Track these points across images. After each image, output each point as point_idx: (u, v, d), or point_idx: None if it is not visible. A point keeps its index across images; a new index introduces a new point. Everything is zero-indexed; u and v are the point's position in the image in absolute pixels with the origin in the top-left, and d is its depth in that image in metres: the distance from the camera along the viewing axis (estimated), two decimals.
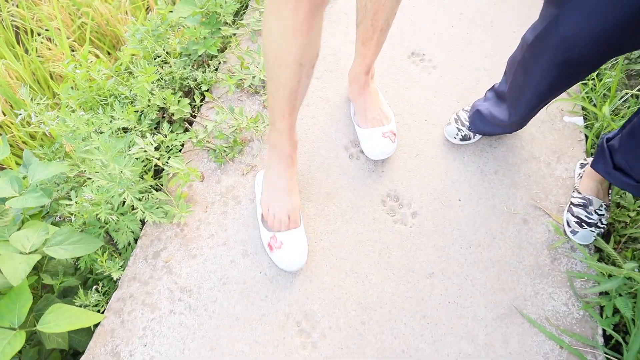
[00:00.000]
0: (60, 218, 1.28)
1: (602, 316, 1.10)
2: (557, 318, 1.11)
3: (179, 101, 1.36)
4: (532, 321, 1.10)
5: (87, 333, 1.16)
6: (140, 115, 1.32)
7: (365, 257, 1.19)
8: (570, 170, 1.31)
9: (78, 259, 1.25)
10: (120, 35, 1.91)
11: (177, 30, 1.60)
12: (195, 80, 1.44)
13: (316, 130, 1.39)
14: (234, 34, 1.53)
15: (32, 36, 1.94)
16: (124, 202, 1.18)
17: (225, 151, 1.32)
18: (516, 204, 1.26)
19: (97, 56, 1.84)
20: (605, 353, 1.05)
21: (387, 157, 1.31)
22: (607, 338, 1.10)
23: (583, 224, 1.16)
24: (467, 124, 1.32)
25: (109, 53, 1.93)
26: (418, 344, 1.08)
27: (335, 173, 1.31)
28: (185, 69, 1.43)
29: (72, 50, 1.86)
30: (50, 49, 1.91)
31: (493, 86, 1.27)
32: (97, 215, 1.16)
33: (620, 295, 1.06)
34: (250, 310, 1.12)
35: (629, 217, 1.22)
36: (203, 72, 1.45)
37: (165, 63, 1.46)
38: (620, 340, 1.05)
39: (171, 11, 1.53)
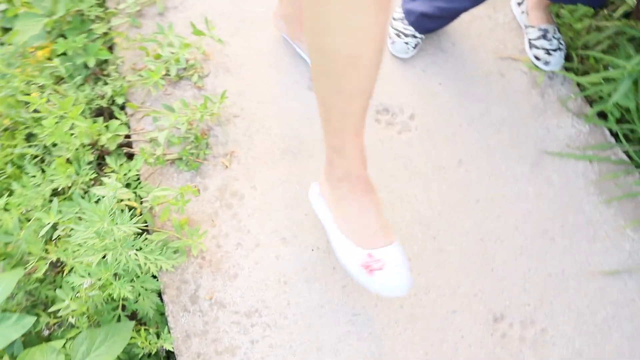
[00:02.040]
0: (48, 329, 1.01)
1: (604, 120, 1.22)
2: (573, 141, 1.20)
3: (106, 127, 1.10)
4: (558, 154, 1.18)
5: None
6: (75, 166, 1.05)
7: (395, 179, 1.15)
8: (509, 14, 1.37)
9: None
10: None
11: (28, 56, 1.27)
12: (104, 96, 1.17)
13: (270, 81, 1.24)
14: (110, 28, 1.26)
15: None
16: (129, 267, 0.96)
17: (192, 154, 1.13)
18: (486, 64, 1.30)
19: None
20: (624, 147, 1.18)
21: None
22: (615, 136, 1.23)
23: (550, 51, 1.25)
24: (411, 30, 1.26)
25: None
26: (488, 226, 1.10)
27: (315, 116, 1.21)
28: (82, 90, 1.15)
29: None
30: None
31: None
32: (105, 298, 0.93)
33: (608, 95, 1.18)
34: (328, 290, 1.03)
35: (574, 29, 1.34)
36: (105, 84, 1.18)
37: (52, 94, 1.16)
38: (625, 131, 1.19)
39: (11, 34, 1.19)
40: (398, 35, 1.26)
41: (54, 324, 1.01)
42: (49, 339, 1.00)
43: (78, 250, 0.89)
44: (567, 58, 1.31)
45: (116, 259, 0.86)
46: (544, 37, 1.25)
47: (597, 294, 1.05)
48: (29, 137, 1.16)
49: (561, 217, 1.12)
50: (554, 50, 1.24)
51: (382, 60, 0.64)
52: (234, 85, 1.24)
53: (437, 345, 0.99)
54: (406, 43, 1.26)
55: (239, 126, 1.19)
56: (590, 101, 1.25)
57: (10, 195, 1.06)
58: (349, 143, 0.77)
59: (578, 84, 1.26)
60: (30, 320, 0.87)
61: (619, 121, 1.22)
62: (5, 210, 1.02)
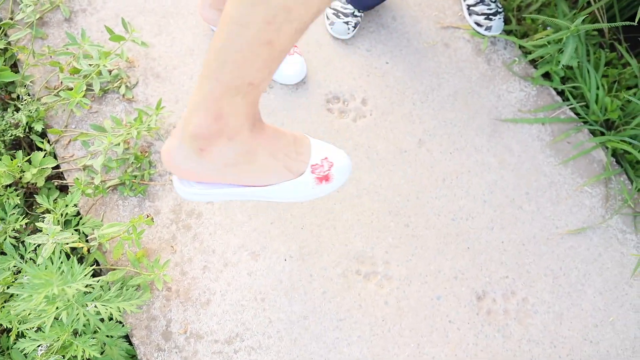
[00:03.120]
0: None
1: (551, 81, 1.24)
2: (524, 105, 1.21)
3: (29, 161, 0.96)
4: (513, 119, 1.19)
5: None
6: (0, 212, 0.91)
7: (358, 170, 1.11)
8: None
9: None
10: None
11: None
12: (18, 124, 1.02)
13: None
14: (9, 43, 1.09)
15: None
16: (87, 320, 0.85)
17: (135, 176, 1.02)
18: (429, 35, 1.26)
19: None
20: (571, 105, 1.21)
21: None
22: (562, 94, 1.25)
23: (490, 16, 1.23)
24: (350, 9, 1.20)
25: None
26: (457, 204, 1.10)
27: (264, 115, 1.13)
28: None
29: None
30: None
31: None
32: (71, 358, 0.83)
33: (550, 56, 1.20)
34: (309, 299, 0.99)
35: None
36: (17, 111, 1.03)
37: None
38: (572, 88, 1.22)
39: None
40: (337, 15, 1.20)
41: None
42: None
43: (24, 313, 0.78)
44: (505, 21, 1.31)
45: (72, 319, 0.76)
46: (482, 1, 1.23)
47: (568, 254, 1.08)
48: None
49: (525, 183, 1.14)
50: (493, 14, 1.23)
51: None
52: (168, 92, 1.12)
53: (427, 335, 0.99)
54: (346, 23, 1.20)
55: None
56: (534, 63, 1.26)
57: None
58: (262, 85, 0.58)
59: (520, 47, 1.27)
60: None
61: (563, 80, 1.24)
62: None
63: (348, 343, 0.96)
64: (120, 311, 0.85)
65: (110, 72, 1.09)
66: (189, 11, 1.21)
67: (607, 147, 1.18)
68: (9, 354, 0.86)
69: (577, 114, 1.22)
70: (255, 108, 0.61)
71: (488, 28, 1.24)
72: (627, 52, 1.22)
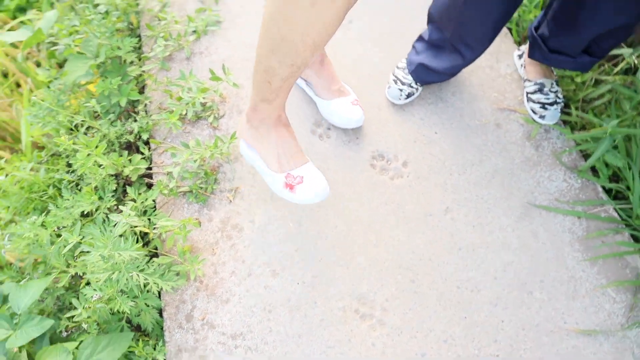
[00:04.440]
0: (66, 332, 1.21)
1: (598, 177, 1.26)
2: (563, 195, 1.26)
3: (130, 160, 1.30)
4: (547, 207, 1.24)
5: None
6: (99, 193, 1.26)
7: (382, 223, 1.26)
8: (511, 65, 1.45)
9: None
10: (7, 122, 1.74)
11: (76, 91, 1.51)
12: (132, 132, 1.38)
13: None
14: (144, 71, 1.47)
15: None
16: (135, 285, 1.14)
17: (201, 188, 1.31)
18: (484, 114, 1.38)
19: None
20: (614, 205, 1.22)
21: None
22: (609, 192, 1.27)
23: (546, 105, 1.31)
24: (409, 80, 1.37)
25: None
26: (467, 274, 1.18)
27: (315, 159, 1.35)
28: (114, 126, 1.37)
29: None
30: None
31: (421, 37, 1.34)
32: (111, 310, 1.12)
33: (607, 150, 1.23)
34: (307, 321, 1.16)
35: (575, 83, 1.39)
36: (135, 121, 1.39)
37: (89, 129, 1.38)
38: (618, 188, 1.23)
39: (61, 73, 1.43)
40: (395, 82, 1.38)
41: (72, 328, 1.20)
42: (66, 340, 1.20)
43: (93, 267, 1.08)
44: (567, 109, 1.36)
45: (119, 279, 1.04)
46: (540, 91, 1.31)
47: (570, 353, 1.10)
48: (69, 164, 1.38)
49: (542, 271, 1.18)
50: (550, 104, 1.30)
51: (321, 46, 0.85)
52: None
53: None
54: (400, 90, 1.37)
55: (245, 165, 1.35)
56: (585, 156, 1.30)
57: (47, 214, 1.27)
58: (282, 96, 0.99)
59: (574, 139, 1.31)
60: (48, 322, 1.07)
61: (612, 179, 1.26)
62: (42, 226, 1.23)
63: None
64: (158, 287, 1.11)
65: (204, 104, 1.40)
66: None
67: None
68: (77, 295, 1.18)
69: (620, 216, 1.22)
70: (277, 111, 1.05)
71: (542, 116, 1.31)
72: None
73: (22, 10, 2.03)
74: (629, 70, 1.31)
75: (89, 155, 1.23)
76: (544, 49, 1.21)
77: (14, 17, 2.02)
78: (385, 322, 1.14)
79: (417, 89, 1.38)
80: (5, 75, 1.80)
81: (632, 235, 1.20)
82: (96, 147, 1.20)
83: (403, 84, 1.36)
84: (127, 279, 1.05)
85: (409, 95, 1.37)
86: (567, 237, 1.21)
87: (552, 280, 1.17)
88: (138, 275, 1.07)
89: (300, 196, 1.10)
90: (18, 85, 1.82)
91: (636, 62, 1.27)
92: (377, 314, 1.15)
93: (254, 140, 1.13)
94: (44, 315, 1.26)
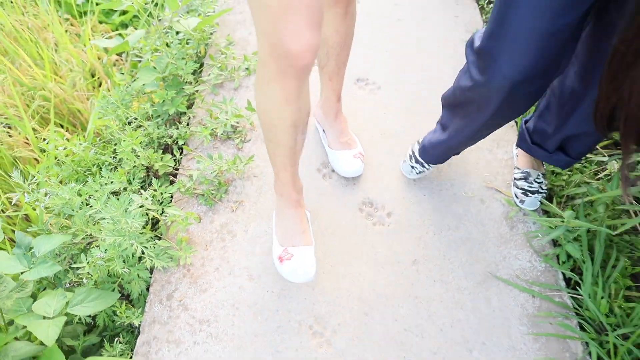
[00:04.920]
0: (69, 284, 1.43)
1: (559, 264, 1.37)
2: (525, 274, 1.37)
3: (162, 157, 1.56)
4: (506, 280, 1.35)
5: None
6: (129, 177, 1.52)
7: (355, 259, 1.42)
8: (509, 152, 1.61)
9: (95, 320, 1.40)
10: (80, 111, 2.10)
11: (140, 96, 1.82)
12: (171, 137, 1.66)
13: None
14: (197, 91, 1.77)
15: None
16: (132, 254, 1.36)
17: (212, 194, 1.54)
18: (472, 188, 1.54)
19: (62, 135, 2.01)
20: (568, 292, 1.31)
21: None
22: (567, 281, 1.37)
23: (527, 192, 1.45)
24: (421, 160, 1.49)
25: (67, 129, 2.11)
26: (416, 321, 1.31)
27: (314, 194, 1.55)
28: (159, 128, 1.65)
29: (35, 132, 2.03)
30: (11, 136, 2.06)
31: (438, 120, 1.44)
32: (108, 272, 1.33)
33: (569, 241, 1.34)
34: (266, 325, 1.31)
35: (564, 180, 1.53)
36: (177, 129, 1.67)
37: (139, 127, 1.68)
38: (577, 279, 1.33)
39: (134, 80, 1.75)
40: (410, 158, 1.52)
41: (75, 282, 1.43)
42: (69, 290, 1.42)
43: (104, 231, 1.31)
44: (550, 201, 1.49)
45: (122, 244, 1.27)
46: (526, 179, 1.46)
47: None
48: (115, 150, 1.67)
49: (486, 334, 1.28)
50: (532, 192, 1.45)
51: (298, 126, 1.06)
52: (263, 153, 1.64)
53: None
54: (412, 167, 1.51)
55: (254, 184, 1.57)
56: (556, 245, 1.41)
57: (84, 184, 1.55)
58: (281, 173, 1.22)
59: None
60: (57, 268, 1.30)
61: (574, 270, 1.36)
62: (78, 194, 1.50)
63: None
64: (152, 261, 1.33)
65: (235, 127, 1.66)
66: None
67: (587, 345, 1.24)
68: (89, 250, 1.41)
69: (574, 305, 1.31)
70: (294, 195, 1.30)
71: (522, 201, 1.45)
72: None
73: (124, 25, 2.45)
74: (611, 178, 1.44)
75: (128, 143, 1.51)
76: (527, 140, 1.38)
77: (116, 29, 2.45)
78: (332, 342, 1.28)
79: (428, 169, 1.51)
80: (93, 75, 2.18)
81: (579, 324, 1.28)
82: (137, 137, 1.47)
83: (417, 162, 1.50)
84: (127, 246, 1.27)
85: (420, 172, 1.52)
86: (517, 310, 1.31)
87: (493, 345, 1.26)
88: (138, 245, 1.29)
89: (285, 271, 1.30)
90: (100, 84, 2.20)
91: (615, 168, 1.40)
92: (327, 334, 1.29)
93: (276, 210, 1.38)
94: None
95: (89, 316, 1.39)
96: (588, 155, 1.55)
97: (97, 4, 2.41)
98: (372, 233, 1.46)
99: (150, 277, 1.41)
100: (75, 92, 2.12)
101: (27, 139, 2.00)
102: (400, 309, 1.33)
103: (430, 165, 1.50)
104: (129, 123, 1.68)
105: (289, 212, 1.33)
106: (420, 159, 1.49)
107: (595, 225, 1.29)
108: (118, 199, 1.47)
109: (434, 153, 1.42)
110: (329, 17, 1.24)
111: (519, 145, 1.43)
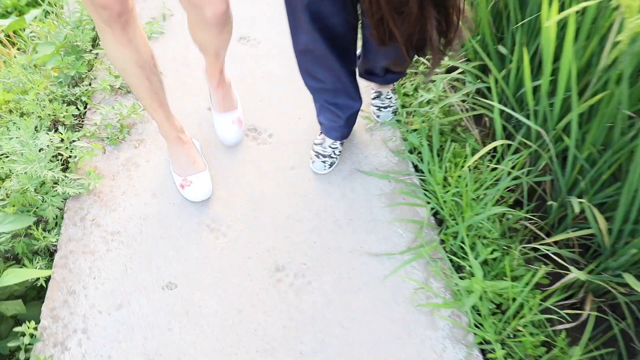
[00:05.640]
0: None
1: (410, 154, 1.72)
2: (382, 166, 1.71)
3: (66, 110, 1.78)
4: (368, 172, 1.69)
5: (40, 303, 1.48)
6: (36, 128, 1.72)
7: (245, 172, 1.69)
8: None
9: (14, 250, 1.57)
10: None
11: (41, 69, 2.02)
12: (75, 94, 1.87)
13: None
14: (96, 55, 2.00)
15: None
16: (44, 182, 1.56)
17: (116, 135, 1.76)
18: None
19: None
20: (416, 174, 1.66)
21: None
22: (416, 168, 1.72)
23: (381, 108, 1.80)
24: (329, 151, 1.66)
25: None
26: (295, 210, 1.60)
27: (206, 125, 1.81)
28: (62, 88, 1.86)
29: None
30: None
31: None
32: (23, 202, 1.52)
33: (409, 132, 1.70)
34: (170, 229, 1.55)
35: (413, 97, 1.90)
36: (79, 88, 1.89)
37: (45, 89, 1.88)
38: (419, 164, 1.68)
39: (36, 52, 1.96)
40: (317, 156, 1.72)
41: None
42: None
43: (16, 161, 1.50)
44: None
45: (32, 175, 1.47)
46: (378, 97, 1.81)
47: (358, 267, 1.48)
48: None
49: (353, 212, 1.59)
50: (385, 107, 1.80)
51: (144, 67, 1.35)
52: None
53: (235, 299, 1.46)
54: (323, 162, 1.70)
55: (153, 125, 1.82)
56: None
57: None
58: (154, 116, 1.51)
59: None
60: None
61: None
62: None
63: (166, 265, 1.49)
64: (64, 190, 1.53)
65: None
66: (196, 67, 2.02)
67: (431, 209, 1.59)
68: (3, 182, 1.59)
69: (421, 184, 1.66)
70: (168, 125, 1.56)
71: (378, 116, 1.80)
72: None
73: (31, 5, 2.61)
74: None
75: (34, 99, 1.71)
76: (363, 73, 1.71)
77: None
78: (227, 234, 1.54)
79: (336, 158, 1.72)
80: None
81: (426, 194, 1.63)
82: (41, 83, 1.68)
83: (324, 156, 1.71)
84: (39, 174, 1.47)
85: (331, 165, 1.73)
86: (376, 191, 1.64)
87: (358, 219, 1.58)
88: (47, 171, 1.50)
89: (187, 194, 1.61)
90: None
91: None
92: (223, 229, 1.56)
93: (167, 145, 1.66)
94: None
95: (8, 249, 1.57)
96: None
97: None
98: (257, 151, 1.75)
99: (64, 204, 1.61)
100: None
101: None
102: (283, 205, 1.62)
103: (337, 152, 1.70)
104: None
105: (176, 148, 1.60)
106: (328, 149, 1.68)
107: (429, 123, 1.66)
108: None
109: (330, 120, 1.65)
110: (206, 32, 1.43)
111: (361, 76, 1.76)
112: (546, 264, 1.42)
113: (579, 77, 1.34)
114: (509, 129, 1.58)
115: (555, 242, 1.43)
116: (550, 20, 1.19)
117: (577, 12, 1.24)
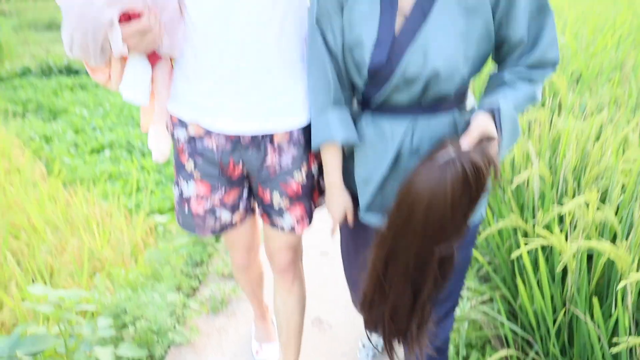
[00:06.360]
0: None
1: None
2: None
3: (188, 283, 2.42)
4: None
5: None
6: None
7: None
8: None
9: None
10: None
11: (177, 253, 2.76)
12: (195, 273, 2.54)
13: None
14: (216, 249, 2.73)
15: None
16: (160, 329, 2.09)
17: (217, 306, 2.34)
18: None
19: None
20: None
21: None
22: None
23: None
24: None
25: None
26: None
27: None
28: (187, 268, 2.54)
29: None
30: None
31: None
32: (145, 339, 2.05)
33: None
34: None
35: None
36: (199, 268, 2.56)
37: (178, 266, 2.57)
38: None
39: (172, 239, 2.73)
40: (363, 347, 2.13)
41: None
42: None
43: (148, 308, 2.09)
44: None
45: (158, 318, 2.04)
46: None
47: None
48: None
49: None
50: None
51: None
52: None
53: None
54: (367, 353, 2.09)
55: (247, 304, 2.37)
56: None
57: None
58: (252, 305, 2.02)
59: None
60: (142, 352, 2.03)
61: None
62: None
63: None
64: (172, 335, 2.06)
65: None
66: None
67: None
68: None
69: None
70: (258, 311, 2.15)
71: None
72: None
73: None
74: None
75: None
76: None
77: None
78: None
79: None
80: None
81: None
82: (177, 261, 2.38)
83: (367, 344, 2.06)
84: (165, 320, 2.04)
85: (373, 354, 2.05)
86: None
87: None
88: (168, 317, 2.06)
89: (257, 358, 2.08)
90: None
91: None
92: None
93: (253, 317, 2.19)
94: None
95: None
96: None
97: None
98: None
99: (168, 348, 2.11)
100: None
101: None
102: None
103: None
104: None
105: (259, 322, 2.12)
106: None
107: None
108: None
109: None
110: (278, 291, 1.72)
111: None
112: None
113: None
114: None
115: None
116: None
117: None
